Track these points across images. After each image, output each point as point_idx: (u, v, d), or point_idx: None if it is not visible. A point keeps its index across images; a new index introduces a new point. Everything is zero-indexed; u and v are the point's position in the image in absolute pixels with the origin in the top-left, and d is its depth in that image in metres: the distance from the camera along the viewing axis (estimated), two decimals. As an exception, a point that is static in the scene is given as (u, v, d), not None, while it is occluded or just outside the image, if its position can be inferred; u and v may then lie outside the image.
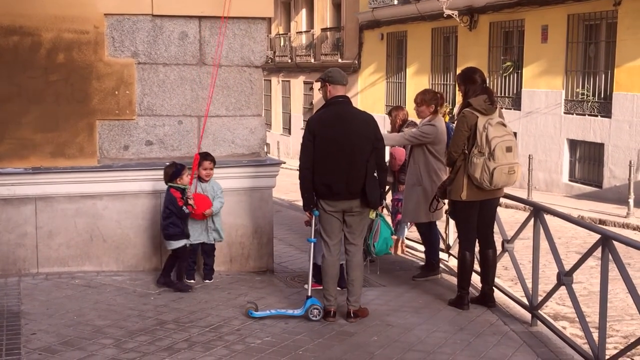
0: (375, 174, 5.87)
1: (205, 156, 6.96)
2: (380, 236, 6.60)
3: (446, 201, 6.81)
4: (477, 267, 6.60)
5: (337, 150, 5.80)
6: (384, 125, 19.25)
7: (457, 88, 7.09)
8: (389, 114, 8.69)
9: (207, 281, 6.97)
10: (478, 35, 18.89)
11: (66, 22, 6.88)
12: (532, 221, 6.14)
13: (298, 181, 5.98)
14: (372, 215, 6.22)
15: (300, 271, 7.80)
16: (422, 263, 7.94)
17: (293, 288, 6.99)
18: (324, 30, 27.02)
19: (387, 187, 8.08)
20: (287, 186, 14.15)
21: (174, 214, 6.63)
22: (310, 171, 5.87)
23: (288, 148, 29.04)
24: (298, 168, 6.04)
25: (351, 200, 5.87)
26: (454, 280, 7.08)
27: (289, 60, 29.44)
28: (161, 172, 7.12)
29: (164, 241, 6.80)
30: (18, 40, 6.79)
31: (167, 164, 6.82)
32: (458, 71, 6.98)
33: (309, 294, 6.03)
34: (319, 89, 6.17)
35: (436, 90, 8.00)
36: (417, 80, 21.26)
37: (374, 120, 6.04)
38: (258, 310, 5.96)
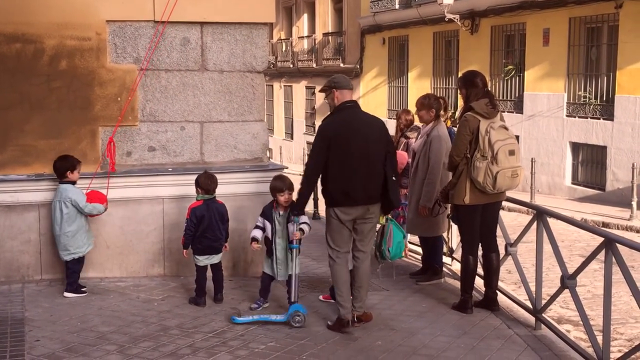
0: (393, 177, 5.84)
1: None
2: (394, 240, 6.54)
3: (448, 205, 6.81)
4: (480, 270, 6.60)
5: (355, 156, 5.69)
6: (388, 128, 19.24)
7: (458, 92, 7.07)
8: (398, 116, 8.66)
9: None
10: (480, 39, 18.90)
11: (68, 29, 6.90)
12: (535, 224, 6.14)
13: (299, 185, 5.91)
14: (382, 220, 6.16)
15: (303, 276, 7.79)
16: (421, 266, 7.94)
17: (296, 293, 6.98)
18: (325, 35, 27.05)
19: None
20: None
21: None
22: (317, 177, 5.80)
23: (290, 153, 29.04)
24: (303, 172, 5.94)
25: (369, 205, 5.79)
26: (457, 284, 7.08)
27: (291, 65, 29.48)
28: (164, 178, 7.15)
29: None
30: (21, 48, 6.81)
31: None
32: (460, 75, 6.97)
33: (293, 300, 5.99)
34: (324, 99, 6.09)
35: (438, 95, 7.98)
36: (419, 84, 21.28)
37: (384, 124, 6.00)
38: (241, 316, 5.93)
